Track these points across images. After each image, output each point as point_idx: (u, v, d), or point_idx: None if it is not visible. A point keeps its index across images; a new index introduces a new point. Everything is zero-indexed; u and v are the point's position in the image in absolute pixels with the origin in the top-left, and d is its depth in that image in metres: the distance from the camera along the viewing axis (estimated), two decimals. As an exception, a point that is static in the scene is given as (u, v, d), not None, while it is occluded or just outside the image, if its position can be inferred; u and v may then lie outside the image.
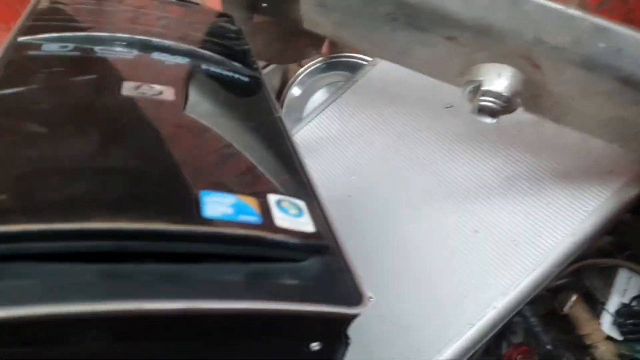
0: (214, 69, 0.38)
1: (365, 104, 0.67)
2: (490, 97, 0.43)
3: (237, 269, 0.24)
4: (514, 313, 0.54)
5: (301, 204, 0.28)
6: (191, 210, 0.24)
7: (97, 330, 0.21)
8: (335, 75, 0.80)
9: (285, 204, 0.27)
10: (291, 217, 0.27)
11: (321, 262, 0.26)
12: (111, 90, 0.31)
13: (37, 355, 0.21)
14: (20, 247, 0.21)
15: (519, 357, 0.63)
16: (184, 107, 0.32)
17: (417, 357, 0.53)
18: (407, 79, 0.67)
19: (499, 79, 0.43)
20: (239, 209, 0.25)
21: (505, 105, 0.43)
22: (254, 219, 0.25)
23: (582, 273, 0.68)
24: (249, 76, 0.40)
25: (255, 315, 0.23)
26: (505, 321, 0.54)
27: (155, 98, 0.32)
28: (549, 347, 0.56)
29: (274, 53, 0.63)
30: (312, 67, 0.81)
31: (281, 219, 0.26)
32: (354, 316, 0.24)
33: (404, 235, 0.59)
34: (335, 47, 0.80)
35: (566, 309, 0.61)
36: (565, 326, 0.64)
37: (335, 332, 0.26)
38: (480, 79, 0.44)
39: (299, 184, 0.30)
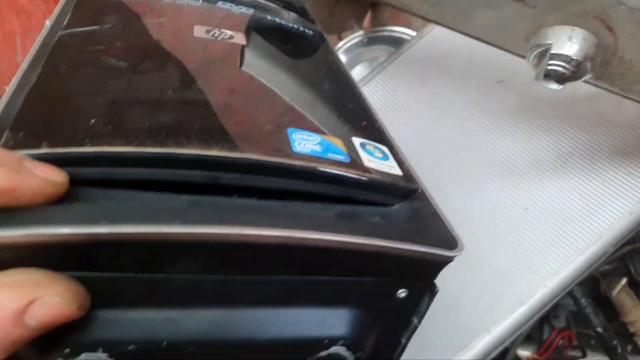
0: (279, 20, 0.37)
1: (410, 76, 0.65)
2: (560, 61, 0.41)
3: (331, 208, 0.23)
4: (565, 292, 0.53)
5: (384, 148, 0.27)
6: (283, 144, 0.23)
7: (191, 259, 0.20)
8: (377, 50, 0.79)
9: (369, 147, 0.27)
10: (378, 159, 0.26)
11: (412, 206, 0.25)
12: (184, 32, 0.31)
13: (132, 282, 0.21)
14: (112, 172, 0.21)
15: (561, 342, 0.62)
16: (258, 51, 0.31)
17: (466, 334, 0.52)
18: (454, 52, 0.66)
19: (569, 42, 0.41)
20: (326, 147, 0.25)
21: (575, 71, 0.42)
22: (342, 157, 0.24)
23: (627, 259, 0.66)
24: (312, 29, 0.39)
25: (351, 252, 0.22)
26: (556, 300, 0.53)
27: (227, 41, 0.31)
28: (599, 329, 0.55)
29: (319, 21, 0.62)
30: (354, 41, 0.80)
31: (368, 161, 0.25)
32: (448, 260, 0.24)
33: (451, 212, 0.58)
34: (377, 21, 0.79)
35: (615, 292, 0.59)
36: (608, 313, 0.63)
37: (424, 278, 0.25)
38: (549, 42, 0.42)
39: (378, 131, 0.29)
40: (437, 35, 0.66)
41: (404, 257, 0.23)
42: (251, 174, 0.22)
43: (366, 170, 0.24)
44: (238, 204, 0.22)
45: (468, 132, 0.61)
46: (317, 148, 0.24)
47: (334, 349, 0.25)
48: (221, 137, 0.23)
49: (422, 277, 0.24)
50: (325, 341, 0.24)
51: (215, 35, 0.31)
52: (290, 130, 0.25)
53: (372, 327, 0.26)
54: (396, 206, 0.25)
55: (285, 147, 0.23)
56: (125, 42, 0.28)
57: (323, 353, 0.25)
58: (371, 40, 0.80)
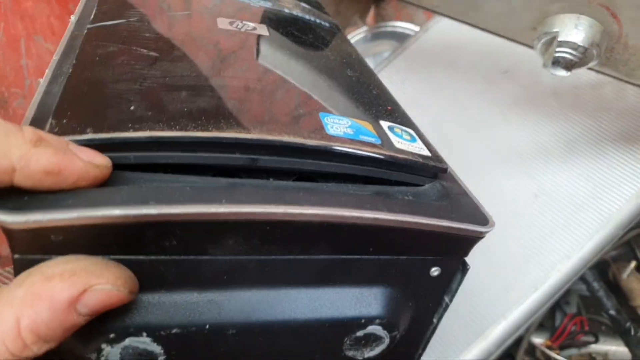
0: (296, 12, 0.38)
1: (417, 69, 0.66)
2: (567, 48, 0.42)
3: (365, 189, 0.24)
4: (577, 277, 0.54)
5: (411, 131, 0.28)
6: (318, 128, 0.24)
7: (235, 239, 0.21)
8: (381, 45, 0.80)
9: (397, 130, 0.27)
10: (406, 141, 0.26)
11: (442, 185, 0.25)
12: (208, 23, 0.31)
13: (177, 265, 0.21)
14: (155, 156, 0.21)
15: (573, 327, 0.63)
16: (281, 41, 0.32)
17: (481, 321, 0.53)
18: (459, 45, 0.67)
19: (575, 30, 0.42)
20: (358, 130, 0.25)
21: (582, 57, 0.43)
22: (373, 139, 0.25)
23: (634, 244, 0.67)
24: (328, 21, 0.39)
25: (390, 229, 0.22)
26: (569, 284, 0.53)
27: (251, 32, 0.31)
28: (612, 312, 0.55)
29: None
30: (358, 37, 0.80)
31: (398, 142, 0.26)
32: (480, 236, 0.24)
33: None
34: (380, 17, 0.79)
35: (625, 276, 0.60)
36: (616, 299, 0.64)
37: (457, 255, 0.25)
38: (556, 30, 0.43)
39: (403, 115, 0.30)
40: (442, 29, 0.67)
41: (439, 234, 0.23)
42: (290, 156, 0.23)
43: (398, 151, 0.25)
44: (277, 186, 0.23)
45: (475, 122, 0.61)
46: (350, 131, 0.25)
47: (371, 328, 0.25)
48: (258, 121, 0.23)
49: (455, 253, 0.25)
50: (362, 320, 0.25)
51: (239, 26, 0.31)
52: (322, 114, 0.25)
53: (406, 307, 0.26)
54: (427, 186, 0.25)
55: (320, 130, 0.24)
56: (153, 33, 0.28)
57: (360, 332, 0.25)
58: (375, 36, 0.81)
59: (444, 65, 0.65)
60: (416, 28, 0.76)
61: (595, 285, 0.56)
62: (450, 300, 0.27)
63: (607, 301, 0.56)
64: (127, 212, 0.18)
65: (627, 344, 0.56)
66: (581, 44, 0.42)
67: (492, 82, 0.62)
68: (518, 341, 0.63)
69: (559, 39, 0.43)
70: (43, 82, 0.24)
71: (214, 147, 0.21)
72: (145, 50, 0.26)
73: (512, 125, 0.60)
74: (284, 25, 0.34)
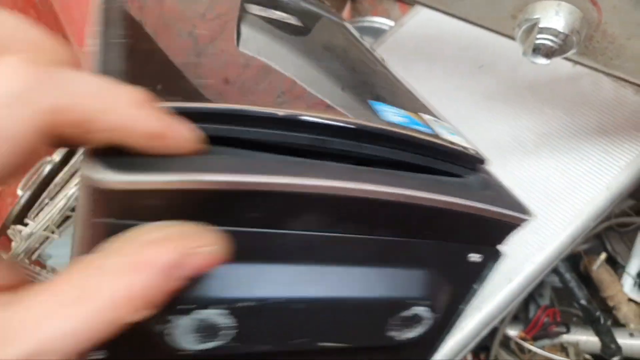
0: (309, 6, 0.39)
1: (393, 64, 0.69)
2: (548, 34, 0.45)
3: (417, 177, 0.25)
4: (551, 267, 0.58)
5: (449, 124, 0.30)
6: (375, 115, 0.26)
7: (313, 213, 0.22)
8: (355, 40, 0.82)
9: (439, 123, 0.29)
10: (450, 134, 0.29)
11: (481, 177, 0.28)
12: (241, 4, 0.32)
13: (253, 237, 0.22)
14: (238, 130, 0.21)
15: (546, 319, 0.68)
16: (316, 33, 0.33)
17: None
18: (436, 38, 0.70)
19: (556, 16, 0.45)
20: (409, 119, 0.27)
21: (562, 44, 0.46)
22: (427, 129, 0.27)
23: (604, 236, 0.74)
24: (334, 15, 0.41)
25: (451, 213, 0.24)
26: (542, 276, 0.58)
27: (288, 22, 0.33)
28: (583, 302, 0.61)
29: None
30: (332, 31, 0.82)
31: (444, 134, 0.28)
32: (523, 223, 0.27)
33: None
34: (356, 12, 0.82)
35: (595, 267, 0.66)
36: (588, 291, 0.70)
37: (496, 241, 0.28)
38: (537, 17, 0.46)
39: (434, 110, 0.32)
40: (418, 23, 0.71)
41: (491, 220, 0.25)
42: (359, 140, 0.24)
43: (449, 141, 0.27)
44: (343, 167, 0.23)
45: (451, 116, 0.64)
46: (403, 119, 0.27)
47: (416, 309, 0.27)
48: (320, 104, 0.24)
49: (495, 241, 0.27)
50: (408, 301, 0.27)
51: (271, 15, 0.32)
52: (370, 102, 0.27)
53: (446, 291, 0.28)
54: (468, 177, 0.28)
55: (379, 117, 0.26)
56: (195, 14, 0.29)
57: (406, 313, 0.27)
58: (349, 30, 0.83)
59: (421, 59, 0.69)
60: (392, 23, 0.80)
61: (568, 276, 0.62)
62: (479, 287, 0.30)
63: (579, 292, 0.62)
64: (235, 179, 0.19)
65: (597, 332, 0.62)
66: (562, 31, 0.45)
67: (468, 76, 0.66)
68: (493, 333, 0.67)
69: (539, 26, 0.46)
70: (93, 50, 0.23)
71: (295, 126, 0.22)
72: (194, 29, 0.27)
73: (488, 118, 0.64)
74: (308, 18, 0.36)
